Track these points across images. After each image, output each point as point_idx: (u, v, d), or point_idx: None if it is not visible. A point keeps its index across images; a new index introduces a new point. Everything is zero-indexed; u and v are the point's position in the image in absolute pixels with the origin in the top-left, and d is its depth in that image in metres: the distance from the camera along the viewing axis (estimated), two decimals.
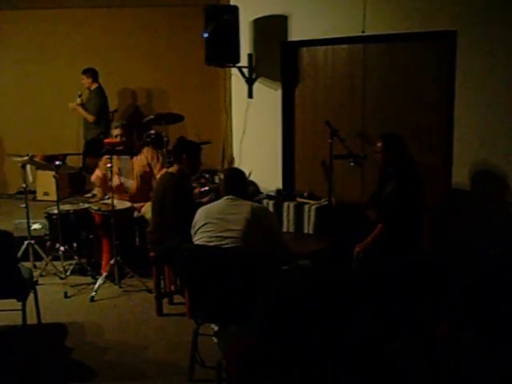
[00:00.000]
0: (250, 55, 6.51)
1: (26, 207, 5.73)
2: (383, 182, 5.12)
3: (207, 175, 6.83)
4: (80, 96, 8.17)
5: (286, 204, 5.77)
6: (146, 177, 6.12)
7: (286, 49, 6.45)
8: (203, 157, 5.34)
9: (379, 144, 4.97)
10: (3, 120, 9.02)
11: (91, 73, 8.18)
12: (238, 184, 4.23)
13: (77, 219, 5.88)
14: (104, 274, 5.57)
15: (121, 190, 6.14)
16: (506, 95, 5.32)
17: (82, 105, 8.20)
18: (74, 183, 8.55)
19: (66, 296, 5.44)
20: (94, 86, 8.20)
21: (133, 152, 6.09)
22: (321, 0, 6.12)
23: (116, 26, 8.95)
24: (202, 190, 6.27)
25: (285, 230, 5.78)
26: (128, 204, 5.92)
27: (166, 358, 4.32)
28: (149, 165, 6.17)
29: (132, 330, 4.80)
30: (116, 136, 6.16)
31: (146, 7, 8.83)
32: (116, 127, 6.22)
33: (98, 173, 6.30)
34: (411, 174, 4.88)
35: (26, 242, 5.83)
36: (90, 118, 8.11)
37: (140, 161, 6.17)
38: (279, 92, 6.51)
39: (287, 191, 6.29)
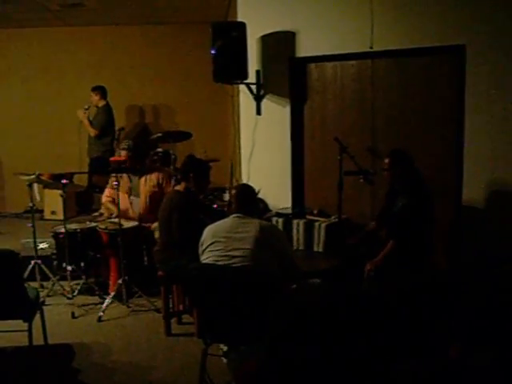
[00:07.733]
0: (257, 72, 6.48)
1: (33, 226, 5.70)
2: (391, 199, 5.10)
3: (216, 193, 6.79)
4: (86, 109, 8.18)
5: (295, 221, 5.71)
6: (155, 197, 6.02)
7: (294, 65, 6.41)
8: (211, 174, 5.29)
9: (387, 160, 4.99)
10: (9, 138, 9.05)
11: (100, 90, 8.21)
12: (248, 201, 4.17)
13: (84, 238, 5.83)
14: (112, 293, 5.53)
15: (125, 212, 6.08)
16: None
17: (89, 121, 8.21)
18: (81, 202, 8.55)
19: (73, 316, 5.39)
20: (102, 103, 8.23)
21: (139, 170, 6.05)
22: (328, 16, 6.10)
23: (123, 44, 9.01)
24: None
25: (294, 247, 5.71)
26: (135, 223, 5.87)
27: (175, 379, 4.25)
28: (159, 185, 6.10)
29: (140, 350, 4.73)
30: (126, 157, 6.09)
31: (154, 25, 8.88)
32: (123, 149, 6.15)
33: (107, 192, 6.25)
34: (421, 190, 4.85)
35: (32, 262, 5.79)
36: (92, 131, 8.13)
37: (150, 180, 6.12)
38: (288, 108, 6.46)
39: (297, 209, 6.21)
